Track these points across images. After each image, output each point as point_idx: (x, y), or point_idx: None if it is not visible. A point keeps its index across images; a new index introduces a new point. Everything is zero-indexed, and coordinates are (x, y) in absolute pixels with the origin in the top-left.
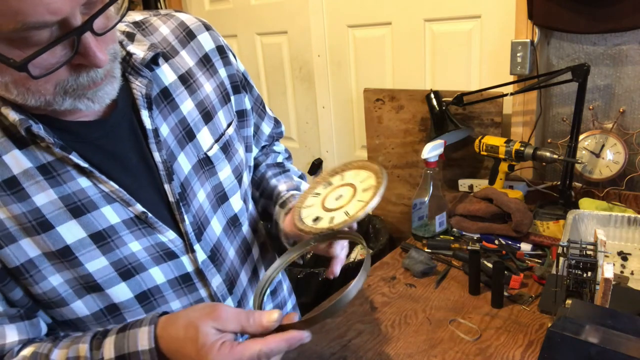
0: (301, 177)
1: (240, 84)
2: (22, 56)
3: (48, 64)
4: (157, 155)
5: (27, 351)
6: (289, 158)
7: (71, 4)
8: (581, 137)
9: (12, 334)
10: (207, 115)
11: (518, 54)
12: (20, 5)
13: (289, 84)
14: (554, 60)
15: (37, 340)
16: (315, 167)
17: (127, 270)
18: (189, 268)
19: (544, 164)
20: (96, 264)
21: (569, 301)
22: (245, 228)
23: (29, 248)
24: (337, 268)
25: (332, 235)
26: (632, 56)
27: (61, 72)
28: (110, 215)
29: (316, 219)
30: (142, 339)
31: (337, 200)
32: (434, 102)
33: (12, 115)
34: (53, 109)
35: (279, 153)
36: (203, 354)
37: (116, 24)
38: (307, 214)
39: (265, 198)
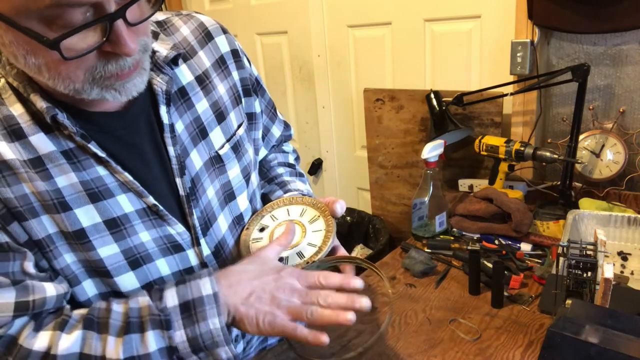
0: (301, 175)
1: (252, 88)
2: (55, 37)
3: (79, 48)
4: (171, 150)
5: (84, 310)
6: (297, 159)
7: None
8: (581, 137)
9: (50, 289)
10: (220, 116)
11: (518, 54)
12: None
13: (289, 84)
14: (554, 60)
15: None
16: (315, 167)
17: (135, 260)
18: (194, 262)
19: (544, 164)
20: (108, 250)
21: (569, 301)
22: None
23: (48, 224)
24: None
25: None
26: (632, 56)
27: (91, 58)
28: (125, 203)
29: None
30: (205, 286)
31: None
32: (434, 102)
33: (40, 103)
34: (81, 98)
35: (288, 153)
36: (271, 248)
37: (149, 16)
38: (256, 248)
39: (275, 184)
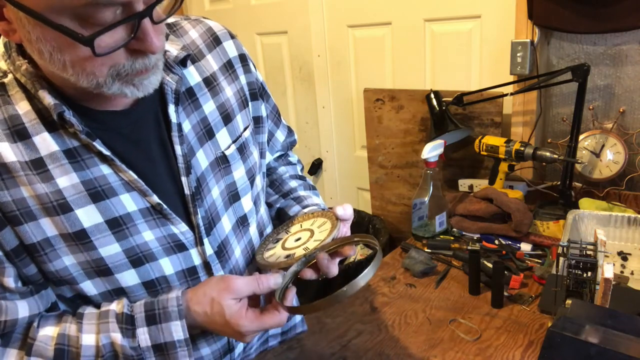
0: (313, 187)
1: (258, 92)
2: (87, 34)
3: (108, 45)
4: (178, 148)
5: (52, 331)
6: (302, 169)
7: None
8: (581, 137)
9: (23, 310)
10: (227, 117)
11: (518, 54)
12: None
13: (289, 84)
14: (554, 60)
15: (51, 316)
16: (316, 167)
17: (138, 258)
18: (197, 261)
19: (544, 164)
20: (109, 249)
21: (569, 301)
22: (253, 230)
23: (47, 227)
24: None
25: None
26: (632, 56)
27: (119, 56)
28: (128, 202)
29: (278, 257)
30: (177, 332)
31: (296, 241)
32: (434, 102)
33: (48, 100)
34: (90, 97)
35: (296, 164)
36: (233, 322)
37: (171, 14)
38: (268, 255)
39: (291, 199)
